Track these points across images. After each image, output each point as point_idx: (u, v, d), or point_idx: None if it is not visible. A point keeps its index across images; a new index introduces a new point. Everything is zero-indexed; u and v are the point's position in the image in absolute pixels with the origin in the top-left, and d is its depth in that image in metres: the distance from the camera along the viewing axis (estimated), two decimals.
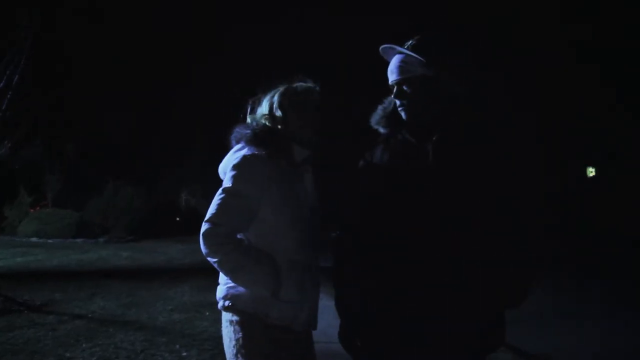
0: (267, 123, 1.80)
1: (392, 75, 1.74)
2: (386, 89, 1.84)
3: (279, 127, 1.79)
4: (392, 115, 1.82)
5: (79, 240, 14.18)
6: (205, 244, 1.64)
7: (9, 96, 6.15)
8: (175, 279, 7.65)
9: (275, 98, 1.81)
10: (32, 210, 15.42)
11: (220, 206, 1.67)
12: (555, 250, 8.50)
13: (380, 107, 1.87)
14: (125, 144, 19.59)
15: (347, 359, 1.80)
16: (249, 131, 1.76)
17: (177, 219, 16.87)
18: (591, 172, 19.91)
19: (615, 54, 16.65)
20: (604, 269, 8.67)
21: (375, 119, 1.86)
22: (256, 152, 1.72)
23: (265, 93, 1.86)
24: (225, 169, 1.77)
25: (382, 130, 1.85)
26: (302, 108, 1.80)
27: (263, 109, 1.83)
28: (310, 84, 1.87)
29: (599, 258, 9.76)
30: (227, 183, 1.71)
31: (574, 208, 15.46)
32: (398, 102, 1.73)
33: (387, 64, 1.78)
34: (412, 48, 1.70)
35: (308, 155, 1.84)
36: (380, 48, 1.76)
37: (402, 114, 1.74)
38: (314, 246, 1.82)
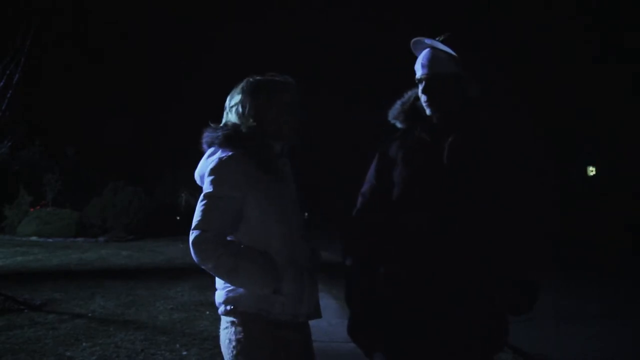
0: (237, 121, 1.76)
1: (422, 69, 1.71)
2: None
3: (251, 124, 1.74)
4: (410, 111, 1.80)
5: (79, 239, 14.16)
6: (195, 252, 1.62)
7: (8, 96, 6.15)
8: (175, 278, 7.64)
9: (244, 94, 1.77)
10: (32, 209, 15.39)
11: (204, 212, 1.65)
12: (555, 250, 8.49)
13: (398, 102, 1.84)
14: (125, 144, 19.59)
15: (348, 357, 1.80)
16: (219, 133, 1.73)
17: (177, 218, 16.86)
18: (591, 171, 19.91)
19: (616, 52, 16.64)
20: (604, 269, 8.67)
21: (393, 114, 1.84)
22: (231, 153, 1.69)
23: (235, 89, 1.82)
24: (203, 174, 1.75)
25: (399, 125, 1.83)
26: (274, 102, 1.76)
27: (234, 106, 1.78)
28: (281, 78, 1.82)
29: (599, 258, 9.76)
30: (207, 188, 1.69)
31: (575, 207, 15.45)
32: (425, 97, 1.71)
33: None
34: (442, 43, 1.69)
35: (283, 148, 1.81)
36: (412, 41, 1.73)
37: (427, 109, 1.72)
38: (305, 238, 1.80)
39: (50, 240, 13.82)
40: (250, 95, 1.77)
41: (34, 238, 14.10)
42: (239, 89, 1.81)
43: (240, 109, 1.77)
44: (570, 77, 17.10)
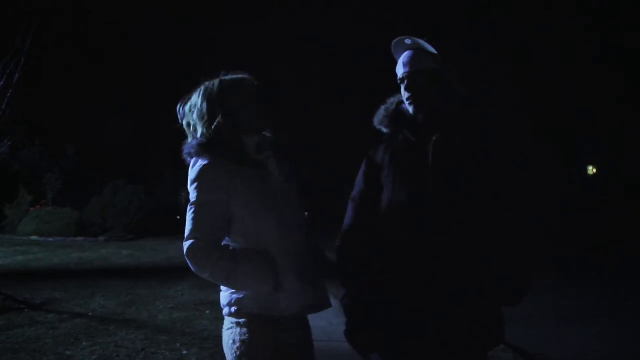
0: (205, 129, 1.76)
1: (404, 68, 1.75)
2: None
3: (217, 127, 1.74)
4: (394, 115, 1.84)
5: (79, 239, 14.16)
6: (191, 261, 1.62)
7: (9, 96, 6.15)
8: (175, 277, 7.64)
9: (200, 101, 1.78)
10: (32, 209, 15.40)
11: (194, 221, 1.65)
12: (555, 250, 8.51)
13: (382, 107, 1.89)
14: (125, 144, 19.60)
15: (348, 357, 1.81)
16: (194, 143, 1.74)
17: (177, 218, 16.86)
18: (592, 170, 19.93)
19: (616, 52, 16.65)
20: (604, 269, 8.67)
21: (378, 119, 1.88)
22: (209, 159, 1.70)
23: (191, 95, 1.82)
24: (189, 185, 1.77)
25: (384, 130, 1.87)
26: (230, 99, 1.76)
27: (195, 115, 1.79)
28: (238, 75, 1.82)
29: (599, 258, 9.76)
30: (192, 197, 1.70)
31: (575, 207, 15.46)
32: (407, 95, 1.74)
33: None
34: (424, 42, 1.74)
35: (260, 141, 1.81)
36: (394, 41, 1.77)
37: (411, 107, 1.75)
38: (302, 229, 1.79)
39: (51, 239, 13.82)
40: (206, 100, 1.77)
41: (34, 237, 14.11)
42: (193, 98, 1.81)
43: (202, 117, 1.77)
44: (570, 77, 17.12)
